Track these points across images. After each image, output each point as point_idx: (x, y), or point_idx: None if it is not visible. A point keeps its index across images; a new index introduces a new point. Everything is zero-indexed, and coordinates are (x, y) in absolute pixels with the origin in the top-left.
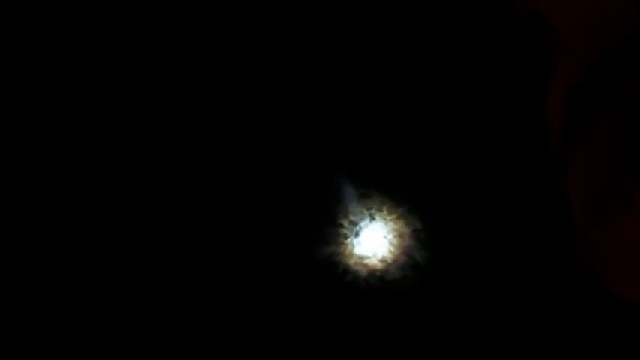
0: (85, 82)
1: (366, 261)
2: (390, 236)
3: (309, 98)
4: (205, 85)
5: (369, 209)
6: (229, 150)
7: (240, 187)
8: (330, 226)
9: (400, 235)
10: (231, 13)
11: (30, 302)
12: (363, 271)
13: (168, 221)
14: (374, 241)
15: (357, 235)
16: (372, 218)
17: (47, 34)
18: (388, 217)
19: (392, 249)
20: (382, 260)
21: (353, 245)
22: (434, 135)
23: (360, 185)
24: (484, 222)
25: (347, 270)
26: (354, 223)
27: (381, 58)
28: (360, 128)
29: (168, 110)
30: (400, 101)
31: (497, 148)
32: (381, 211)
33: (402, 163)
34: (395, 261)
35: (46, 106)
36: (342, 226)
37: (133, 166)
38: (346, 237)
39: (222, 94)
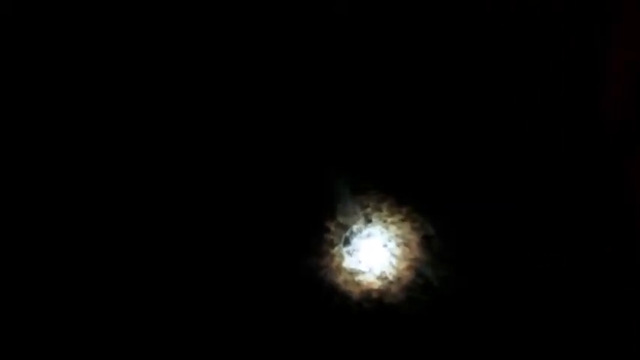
0: (84, 82)
1: (359, 278)
2: (392, 245)
3: (302, 87)
4: (201, 84)
5: (363, 208)
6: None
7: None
8: (311, 230)
9: (405, 244)
10: (232, 12)
11: (30, 301)
12: (355, 293)
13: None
14: (370, 251)
15: (346, 242)
16: (368, 220)
17: (47, 34)
18: (389, 219)
19: (394, 262)
20: (381, 278)
21: (342, 256)
22: (444, 120)
23: (353, 176)
24: (515, 227)
25: (333, 291)
26: (344, 227)
27: (380, 55)
28: (357, 115)
29: (159, 108)
30: (402, 92)
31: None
32: (379, 210)
33: (408, 148)
34: (398, 279)
35: (46, 104)
36: (327, 230)
37: (119, 168)
38: (333, 245)
39: (214, 92)
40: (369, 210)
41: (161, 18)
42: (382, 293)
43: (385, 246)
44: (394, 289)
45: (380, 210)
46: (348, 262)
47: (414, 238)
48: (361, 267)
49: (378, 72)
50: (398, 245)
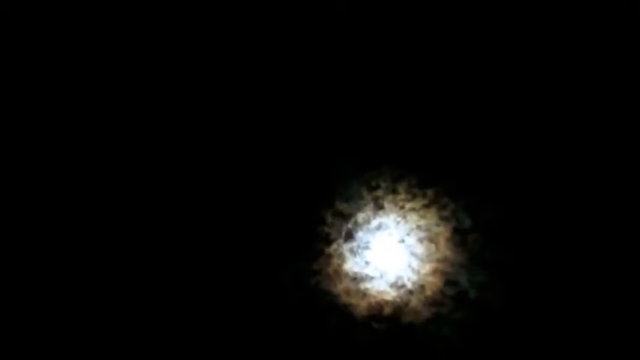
0: (84, 81)
1: (366, 287)
2: (412, 240)
3: (299, 78)
4: (201, 81)
5: (371, 190)
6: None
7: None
8: (299, 221)
9: (431, 240)
10: (233, 9)
11: (30, 302)
12: (361, 308)
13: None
14: (381, 248)
15: (349, 237)
16: (379, 206)
17: (47, 34)
18: (408, 205)
19: (415, 265)
20: (396, 286)
21: (342, 257)
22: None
23: (358, 145)
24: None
25: (329, 305)
26: (345, 216)
27: (380, 54)
28: (365, 70)
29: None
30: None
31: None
32: (394, 192)
33: (434, 107)
34: (420, 288)
35: (46, 104)
36: (321, 220)
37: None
38: (329, 241)
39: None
40: (379, 192)
41: (161, 18)
42: (398, 308)
43: (402, 242)
44: (415, 302)
45: (396, 192)
46: (351, 265)
47: (442, 231)
48: (369, 271)
49: (377, 68)
50: (420, 241)
